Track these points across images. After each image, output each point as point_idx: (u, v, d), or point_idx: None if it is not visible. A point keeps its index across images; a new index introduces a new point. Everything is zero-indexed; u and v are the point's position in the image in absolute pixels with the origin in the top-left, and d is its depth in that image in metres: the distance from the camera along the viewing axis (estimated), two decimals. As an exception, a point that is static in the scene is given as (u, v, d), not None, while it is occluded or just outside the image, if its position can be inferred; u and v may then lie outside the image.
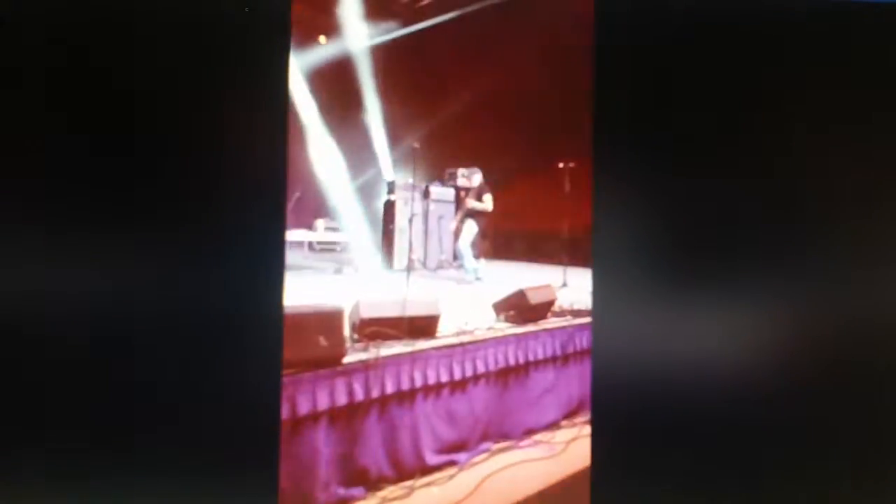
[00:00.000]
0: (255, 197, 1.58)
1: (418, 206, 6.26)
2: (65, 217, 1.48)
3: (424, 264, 6.21)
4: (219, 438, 1.54)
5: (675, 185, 1.60)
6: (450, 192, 6.56)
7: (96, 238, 1.48)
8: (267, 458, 1.59)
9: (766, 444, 1.57)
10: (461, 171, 6.89)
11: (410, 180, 6.24)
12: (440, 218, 6.59)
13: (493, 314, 3.16)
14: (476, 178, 6.09)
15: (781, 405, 1.56)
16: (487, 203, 6.01)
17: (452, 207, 6.61)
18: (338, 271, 5.87)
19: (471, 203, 5.96)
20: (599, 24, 1.60)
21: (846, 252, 1.58)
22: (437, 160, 6.79)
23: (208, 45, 1.54)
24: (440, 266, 6.33)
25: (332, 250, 7.66)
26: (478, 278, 5.58)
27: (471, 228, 5.89)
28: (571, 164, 5.49)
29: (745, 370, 1.57)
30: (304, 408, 2.08)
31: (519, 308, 3.01)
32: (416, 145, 5.46)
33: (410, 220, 5.75)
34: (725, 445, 1.58)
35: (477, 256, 6.09)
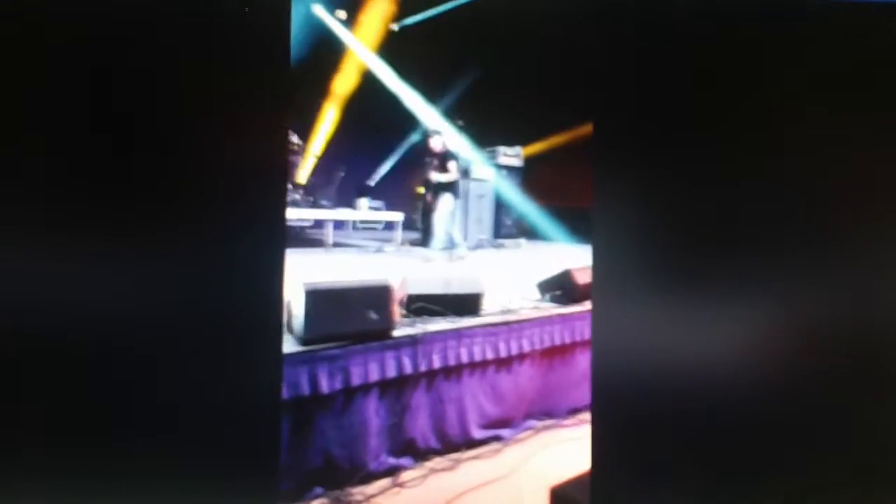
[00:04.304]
0: (255, 181, 1.58)
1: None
2: (65, 204, 1.49)
3: (464, 244, 6.15)
4: (219, 425, 1.56)
5: (676, 178, 1.59)
6: (490, 172, 6.47)
7: (92, 233, 1.51)
8: (267, 443, 1.60)
9: (771, 437, 1.55)
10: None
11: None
12: (480, 197, 6.52)
13: (537, 293, 3.14)
14: (437, 140, 5.15)
15: (786, 398, 1.54)
16: (452, 172, 5.17)
17: (492, 186, 6.52)
18: (379, 250, 5.88)
19: (434, 176, 5.14)
20: (602, 14, 1.60)
21: (847, 243, 1.56)
22: (479, 138, 6.71)
23: (208, 38, 1.54)
24: (479, 245, 6.28)
25: (374, 229, 7.68)
26: (460, 257, 4.96)
27: (446, 202, 5.16)
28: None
29: (749, 364, 1.55)
30: (356, 378, 2.11)
31: (565, 288, 2.99)
32: (461, 123, 5.30)
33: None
34: (730, 440, 1.56)
35: (464, 236, 5.39)
